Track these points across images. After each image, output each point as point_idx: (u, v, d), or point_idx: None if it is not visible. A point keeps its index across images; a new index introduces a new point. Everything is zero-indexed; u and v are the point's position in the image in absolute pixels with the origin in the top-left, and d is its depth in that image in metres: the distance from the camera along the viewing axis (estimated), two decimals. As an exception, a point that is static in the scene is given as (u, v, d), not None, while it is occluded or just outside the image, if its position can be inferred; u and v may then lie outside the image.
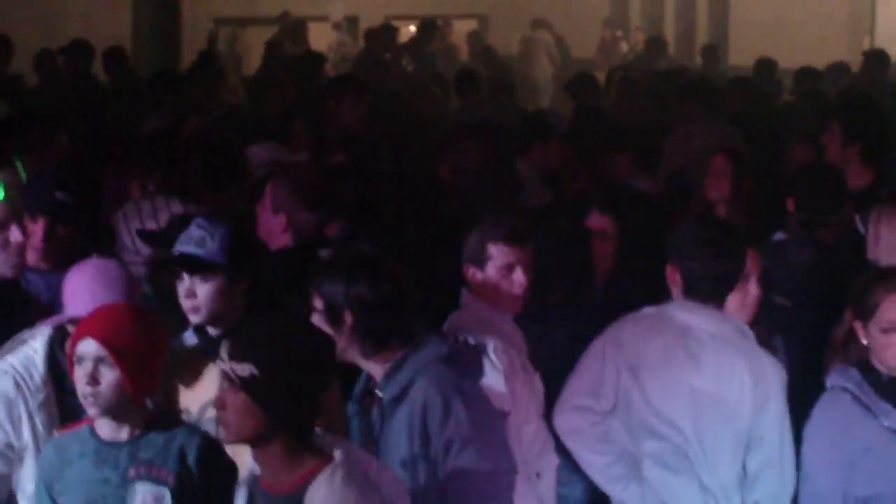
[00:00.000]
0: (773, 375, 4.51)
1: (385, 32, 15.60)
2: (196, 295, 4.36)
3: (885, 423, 4.30)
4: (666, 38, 19.50)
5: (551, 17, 20.92)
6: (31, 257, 4.96)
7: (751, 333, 4.64)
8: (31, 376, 4.26)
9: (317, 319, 4.01)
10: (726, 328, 4.58)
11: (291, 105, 9.34)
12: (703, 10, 21.25)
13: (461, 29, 21.15)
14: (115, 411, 3.82)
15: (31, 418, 4.23)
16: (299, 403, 3.43)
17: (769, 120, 10.12)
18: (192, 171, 6.52)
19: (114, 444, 3.86)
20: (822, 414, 4.43)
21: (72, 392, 4.03)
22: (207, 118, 8.72)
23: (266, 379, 3.37)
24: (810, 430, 4.43)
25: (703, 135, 8.83)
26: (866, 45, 19.44)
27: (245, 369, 3.39)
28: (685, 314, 4.58)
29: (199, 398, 4.30)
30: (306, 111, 8.59)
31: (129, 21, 16.71)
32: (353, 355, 4.07)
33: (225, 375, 3.44)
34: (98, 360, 3.76)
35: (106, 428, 3.87)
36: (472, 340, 4.58)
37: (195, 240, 4.39)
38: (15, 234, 4.42)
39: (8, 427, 4.20)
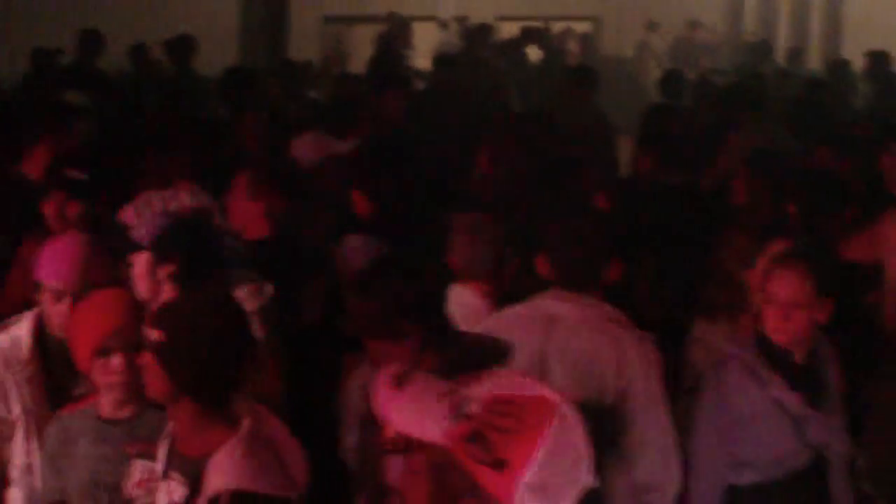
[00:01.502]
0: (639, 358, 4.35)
1: (484, 32, 15.68)
2: None
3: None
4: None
5: (665, 21, 20.81)
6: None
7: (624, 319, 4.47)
8: (18, 352, 4.34)
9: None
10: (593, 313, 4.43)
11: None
12: (817, 13, 20.91)
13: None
14: (129, 395, 3.96)
15: (19, 392, 4.32)
16: (205, 373, 3.48)
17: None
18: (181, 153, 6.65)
19: (113, 423, 4.00)
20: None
21: (61, 370, 4.24)
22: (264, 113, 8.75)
23: (170, 346, 3.47)
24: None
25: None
26: None
27: (155, 335, 3.50)
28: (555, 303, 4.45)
29: None
30: (358, 105, 8.71)
31: (236, 17, 17.03)
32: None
33: (145, 338, 3.56)
34: (129, 350, 3.89)
35: (108, 407, 4.01)
36: None
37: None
38: None
39: None
